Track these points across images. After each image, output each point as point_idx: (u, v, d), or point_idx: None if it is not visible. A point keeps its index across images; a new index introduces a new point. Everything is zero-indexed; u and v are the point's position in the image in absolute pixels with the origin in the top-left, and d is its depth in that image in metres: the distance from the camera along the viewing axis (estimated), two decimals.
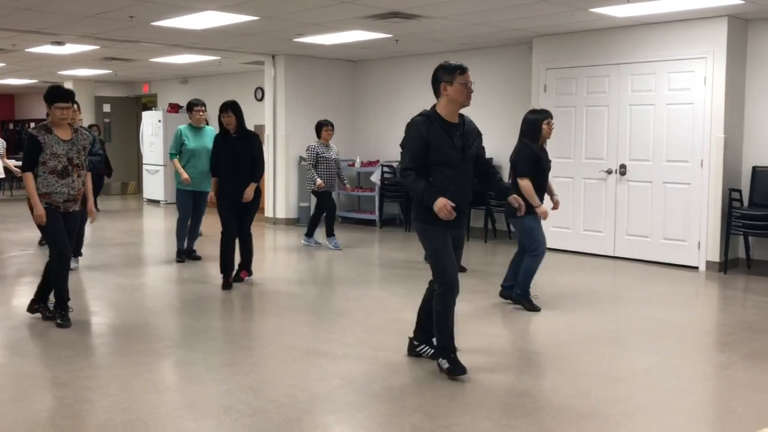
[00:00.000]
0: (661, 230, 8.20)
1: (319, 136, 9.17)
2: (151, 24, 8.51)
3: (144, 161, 15.27)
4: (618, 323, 5.71)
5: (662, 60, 8.08)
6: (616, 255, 8.56)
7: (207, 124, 8.28)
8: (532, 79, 9.33)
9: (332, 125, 9.27)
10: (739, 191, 7.80)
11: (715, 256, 7.80)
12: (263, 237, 10.33)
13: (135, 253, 8.97)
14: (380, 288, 7.14)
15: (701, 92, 7.79)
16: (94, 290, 6.76)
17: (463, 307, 6.03)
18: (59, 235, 5.32)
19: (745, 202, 7.83)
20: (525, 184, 5.74)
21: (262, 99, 13.03)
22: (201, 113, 8.03)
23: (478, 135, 4.44)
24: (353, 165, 11.66)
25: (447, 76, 4.29)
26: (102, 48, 10.79)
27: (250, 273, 7.07)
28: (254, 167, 6.71)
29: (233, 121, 6.65)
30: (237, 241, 6.84)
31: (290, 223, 11.49)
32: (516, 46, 9.83)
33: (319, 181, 8.93)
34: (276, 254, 9.42)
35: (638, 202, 8.36)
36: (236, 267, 6.93)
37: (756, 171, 7.80)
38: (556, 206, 6.11)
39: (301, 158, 11.45)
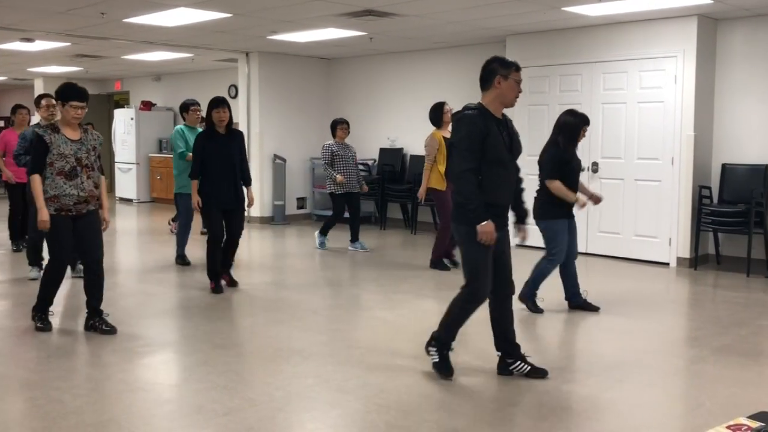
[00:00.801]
0: (633, 227, 8.30)
1: (334, 135, 8.81)
2: (122, 21, 8.42)
3: (116, 159, 15.12)
4: (588, 319, 5.77)
5: (634, 59, 8.17)
6: (588, 252, 8.64)
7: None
8: None
9: (347, 123, 8.90)
10: (709, 188, 7.91)
11: (686, 252, 7.91)
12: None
13: (108, 253, 8.86)
14: (355, 286, 7.14)
15: (672, 91, 7.89)
16: (64, 290, 6.68)
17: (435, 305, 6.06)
18: (62, 244, 5.06)
19: (715, 199, 7.94)
20: (555, 186, 5.57)
21: (235, 96, 12.95)
22: (198, 113, 7.81)
23: (517, 136, 4.25)
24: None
25: (503, 69, 4.07)
26: (73, 45, 10.66)
27: (231, 275, 6.75)
28: (244, 167, 6.52)
29: (228, 117, 6.39)
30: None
31: (264, 221, 11.44)
32: (489, 45, 9.87)
33: (339, 177, 8.58)
34: (250, 253, 9.38)
35: (610, 199, 8.43)
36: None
37: (725, 168, 7.92)
38: (596, 201, 5.85)
39: (276, 156, 11.41)
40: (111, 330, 5.14)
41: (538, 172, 5.74)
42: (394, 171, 10.94)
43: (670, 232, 8.00)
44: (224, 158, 6.33)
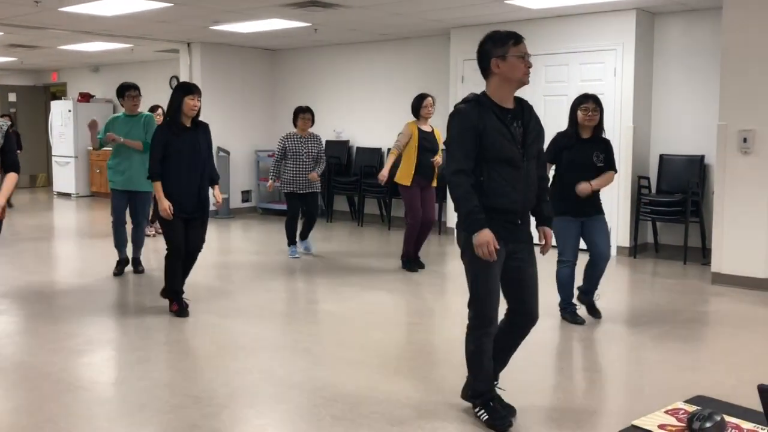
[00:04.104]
0: None
1: (295, 125, 7.95)
2: (58, 9, 8.16)
3: (53, 153, 14.68)
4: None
5: (574, 51, 8.30)
6: None
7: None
8: (449, 70, 9.43)
9: (310, 112, 7.91)
10: (648, 178, 8.10)
11: (626, 242, 8.09)
12: None
13: (45, 249, 8.62)
14: (301, 279, 7.09)
15: (611, 83, 8.05)
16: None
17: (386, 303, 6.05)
18: None
19: (653, 189, 8.14)
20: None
21: None
22: (136, 99, 6.88)
23: (539, 124, 3.58)
24: (273, 156, 11.52)
25: (498, 49, 3.41)
26: (6, 34, 10.29)
27: (181, 302, 5.64)
28: (210, 163, 5.62)
29: (199, 107, 5.43)
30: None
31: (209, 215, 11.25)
32: (434, 37, 9.91)
33: (269, 182, 8.02)
34: None
35: None
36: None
37: (663, 159, 8.12)
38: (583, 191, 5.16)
39: (219, 149, 11.24)
40: None
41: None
42: (340, 163, 10.89)
43: (610, 222, 8.08)
44: (191, 157, 5.40)
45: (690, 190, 7.58)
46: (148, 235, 9.18)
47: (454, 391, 3.96)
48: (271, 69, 12.07)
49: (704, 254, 7.58)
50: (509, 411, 3.58)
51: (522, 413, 3.65)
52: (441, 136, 7.28)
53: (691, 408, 2.11)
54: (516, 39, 3.43)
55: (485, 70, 3.49)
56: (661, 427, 2.02)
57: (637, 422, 2.06)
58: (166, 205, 5.32)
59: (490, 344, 3.49)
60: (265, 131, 12.02)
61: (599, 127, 5.24)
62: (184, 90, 5.40)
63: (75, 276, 7.08)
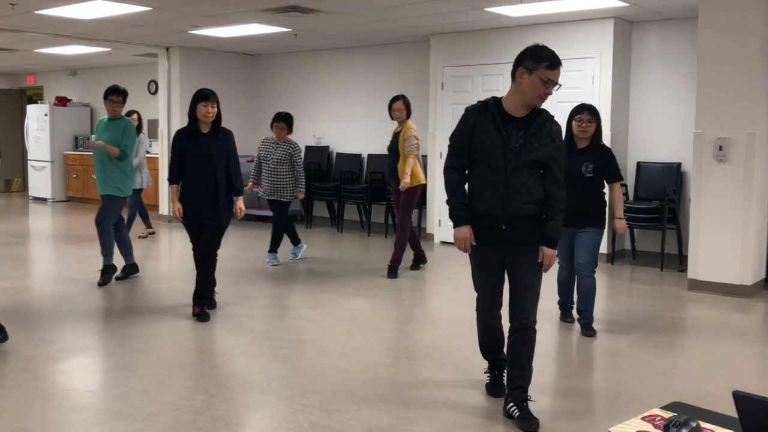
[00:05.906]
0: None
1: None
2: (35, 12, 8.08)
3: (29, 157, 14.51)
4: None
5: None
6: None
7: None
8: (429, 76, 9.46)
9: (284, 120, 7.78)
10: (625, 185, 8.16)
11: (603, 248, 8.13)
12: (159, 235, 10.02)
13: (20, 254, 8.51)
14: (279, 285, 7.05)
15: (590, 91, 8.11)
16: None
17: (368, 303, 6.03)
18: None
19: (631, 196, 8.21)
20: None
21: (155, 93, 12.63)
22: (114, 103, 6.86)
23: (548, 136, 3.50)
24: (252, 161, 11.48)
25: (531, 62, 3.48)
26: None
27: (202, 307, 5.61)
28: (232, 172, 5.55)
29: (215, 113, 5.50)
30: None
31: None
32: (414, 44, 9.94)
33: (249, 184, 7.86)
34: (171, 252, 9.18)
35: None
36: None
37: (640, 166, 8.20)
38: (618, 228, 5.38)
39: None
40: None
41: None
42: (320, 169, 10.87)
43: None
44: (204, 162, 5.42)
45: (667, 197, 7.66)
46: (143, 236, 9.47)
47: (433, 397, 3.96)
48: (251, 74, 12.03)
49: (681, 261, 7.65)
50: (526, 423, 3.50)
51: (496, 420, 3.66)
52: (405, 134, 7.03)
53: (668, 414, 2.12)
54: (551, 64, 3.48)
55: (512, 75, 3.58)
56: None
57: (613, 429, 2.07)
58: (176, 207, 5.51)
59: (491, 328, 3.83)
60: (244, 136, 11.95)
61: (596, 136, 5.18)
62: (198, 96, 5.54)
63: (50, 282, 6.99)
